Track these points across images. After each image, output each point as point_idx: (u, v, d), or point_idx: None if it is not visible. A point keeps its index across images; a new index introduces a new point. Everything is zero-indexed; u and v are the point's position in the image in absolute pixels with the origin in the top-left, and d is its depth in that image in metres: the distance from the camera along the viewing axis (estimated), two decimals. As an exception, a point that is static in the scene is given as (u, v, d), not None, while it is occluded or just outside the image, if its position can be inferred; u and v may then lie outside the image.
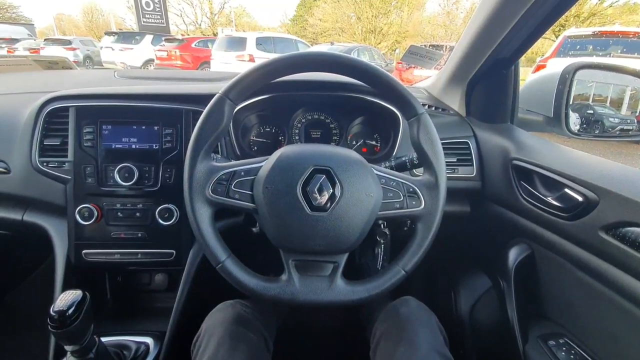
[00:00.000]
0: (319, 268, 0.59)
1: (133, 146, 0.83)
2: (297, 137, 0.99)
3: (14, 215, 0.86)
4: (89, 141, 0.81)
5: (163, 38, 10.63)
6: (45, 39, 12.18)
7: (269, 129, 1.00)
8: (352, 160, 0.60)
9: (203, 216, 0.58)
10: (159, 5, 13.05)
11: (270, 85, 0.85)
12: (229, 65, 8.44)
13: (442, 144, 0.63)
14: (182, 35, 12.13)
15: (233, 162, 0.62)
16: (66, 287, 0.83)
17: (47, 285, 0.86)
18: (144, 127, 0.83)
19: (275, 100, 0.92)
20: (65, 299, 0.58)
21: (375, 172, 0.61)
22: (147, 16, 12.93)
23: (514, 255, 0.83)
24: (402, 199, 0.61)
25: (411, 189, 0.61)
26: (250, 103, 0.89)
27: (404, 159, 0.76)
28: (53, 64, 1.17)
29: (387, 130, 0.97)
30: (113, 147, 0.82)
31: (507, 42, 0.80)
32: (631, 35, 5.25)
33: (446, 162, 0.66)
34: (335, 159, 0.59)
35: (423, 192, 0.61)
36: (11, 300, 1.30)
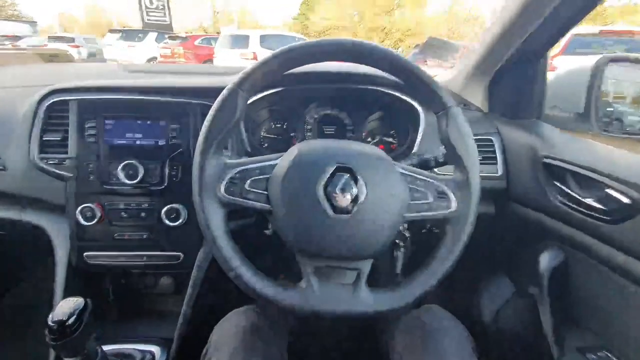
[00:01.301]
0: (341, 275, 0.54)
1: (138, 142, 0.78)
2: (309, 134, 0.94)
3: (11, 214, 0.81)
4: (91, 136, 0.76)
5: (166, 36, 10.60)
6: (49, 37, 12.17)
7: (279, 125, 0.94)
8: (377, 157, 0.55)
9: (215, 218, 0.53)
10: (162, 3, 13.02)
11: (282, 77, 0.81)
12: (232, 63, 8.40)
13: None
14: (186, 33, 12.09)
15: (246, 159, 0.57)
16: (67, 290, 0.79)
17: (46, 285, 0.82)
18: (149, 122, 0.78)
19: (286, 95, 0.87)
20: (64, 307, 0.53)
21: (401, 170, 0.56)
22: (150, 14, 12.90)
23: (545, 260, 0.77)
24: (431, 200, 0.55)
25: (440, 189, 0.56)
26: (261, 97, 0.84)
27: (427, 156, 0.70)
28: (54, 57, 1.12)
29: (404, 126, 0.92)
30: (116, 143, 0.77)
31: (538, 33, 0.74)
32: (635, 34, 5.19)
33: None
34: (358, 156, 0.54)
35: (454, 193, 0.56)
36: (9, 302, 1.26)
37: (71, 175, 0.77)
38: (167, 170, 0.78)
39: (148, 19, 12.85)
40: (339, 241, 0.51)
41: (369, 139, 0.94)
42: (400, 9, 24.14)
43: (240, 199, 0.54)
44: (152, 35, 11.01)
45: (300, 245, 0.53)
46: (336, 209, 0.51)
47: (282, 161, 0.55)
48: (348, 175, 0.52)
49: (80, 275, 0.81)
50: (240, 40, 8.71)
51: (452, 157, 0.58)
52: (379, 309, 0.52)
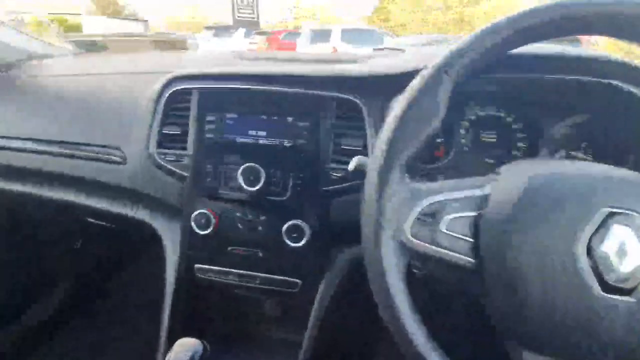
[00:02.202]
0: None
1: (261, 141, 0.65)
2: (463, 140, 0.72)
3: (125, 210, 0.76)
4: (211, 132, 0.66)
5: (254, 31, 11.15)
6: (156, 33, 13.75)
7: None
8: None
9: (393, 271, 0.35)
10: (251, 1, 13.75)
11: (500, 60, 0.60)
12: (318, 57, 8.43)
13: None
14: (271, 28, 12.60)
15: (439, 184, 0.38)
16: (176, 301, 0.71)
17: (154, 270, 0.76)
18: (275, 118, 0.65)
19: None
20: (180, 352, 0.41)
21: None
22: (240, 11, 13.73)
23: None
24: None
25: None
26: None
27: None
28: (170, 45, 1.08)
29: (614, 136, 0.64)
30: (238, 141, 0.66)
31: None
32: None
33: None
34: None
35: None
36: (116, 286, 1.30)
37: (187, 175, 0.67)
38: (291, 178, 0.64)
39: (238, 16, 13.68)
40: (607, 341, 0.30)
41: (555, 154, 0.68)
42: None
43: (433, 247, 0.35)
44: (241, 31, 11.68)
45: (526, 337, 0.33)
46: (607, 286, 0.30)
47: (500, 192, 0.35)
48: (630, 228, 0.30)
49: (188, 287, 0.72)
50: (321, 35, 8.71)
51: None
52: None
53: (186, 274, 0.70)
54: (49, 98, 0.80)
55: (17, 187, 0.82)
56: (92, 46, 1.11)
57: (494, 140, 0.71)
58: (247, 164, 0.64)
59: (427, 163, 0.68)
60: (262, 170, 0.63)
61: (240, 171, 0.64)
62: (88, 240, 1.20)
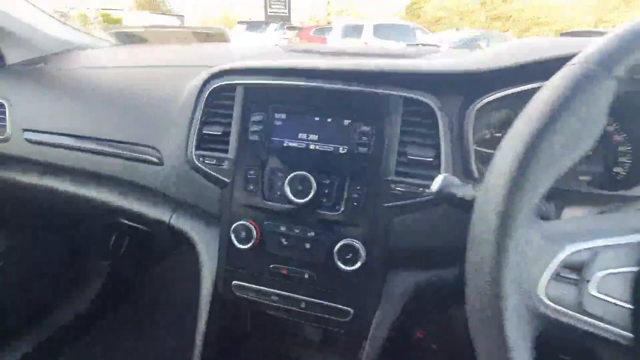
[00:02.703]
0: None
1: (312, 146, 0.56)
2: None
3: (161, 215, 0.70)
4: (256, 134, 0.58)
5: (285, 26, 11.14)
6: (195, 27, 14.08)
7: (499, 135, 0.62)
8: None
9: (520, 349, 0.25)
10: (283, -4, 13.77)
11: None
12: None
13: None
14: (301, 24, 12.57)
15: (583, 223, 0.28)
16: (211, 320, 0.64)
17: (189, 275, 0.70)
18: (329, 120, 0.56)
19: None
20: None
21: None
22: (272, 6, 13.78)
23: None
24: None
25: None
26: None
27: None
28: (209, 36, 1.03)
29: None
30: (286, 145, 0.57)
31: None
32: None
33: None
34: None
35: None
36: (153, 278, 1.28)
37: (228, 181, 0.60)
38: (346, 191, 0.55)
39: (270, 12, 13.74)
40: None
41: None
42: (529, -7, 20.53)
43: (578, 316, 0.25)
44: (273, 26, 11.71)
45: None
46: None
47: None
48: None
49: (224, 305, 0.65)
50: (353, 30, 8.52)
51: None
52: None
53: (223, 291, 0.63)
54: (85, 91, 0.76)
55: (51, 183, 0.79)
56: (132, 38, 1.07)
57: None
58: (296, 172, 0.56)
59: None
60: (312, 180, 0.55)
61: (287, 180, 0.56)
62: (122, 240, 1.18)
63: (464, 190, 0.37)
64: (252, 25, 12.26)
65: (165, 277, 1.31)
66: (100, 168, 0.72)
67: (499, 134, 0.58)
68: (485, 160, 0.56)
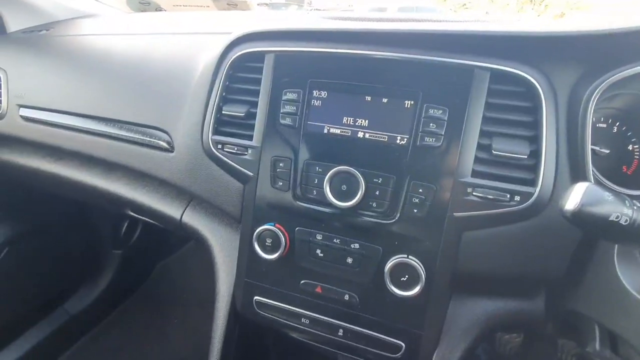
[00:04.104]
0: None
1: (360, 134, 0.44)
2: None
3: (171, 210, 0.60)
4: (288, 116, 0.46)
5: (308, 8, 10.84)
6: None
7: (625, 129, 0.47)
8: None
9: None
10: (305, -23, 13.38)
11: None
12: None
13: None
14: (323, 6, 12.22)
15: None
16: (227, 342, 0.54)
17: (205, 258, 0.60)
18: (385, 101, 0.43)
19: None
20: None
21: None
22: (293, -13, 13.50)
23: None
24: None
25: None
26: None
27: None
28: (232, 5, 0.90)
29: None
30: (327, 131, 0.45)
31: None
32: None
33: None
34: None
35: None
36: (162, 272, 1.20)
37: (252, 174, 0.48)
38: (405, 194, 0.42)
39: (291, -7, 13.45)
40: None
41: None
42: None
43: None
44: (293, 8, 11.44)
45: None
46: None
47: None
48: None
49: (244, 323, 0.55)
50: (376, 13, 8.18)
51: None
52: None
53: (242, 309, 0.52)
54: (87, 61, 0.65)
55: (54, 168, 0.69)
56: (147, 6, 0.96)
57: None
58: (339, 167, 0.43)
59: (619, 183, 0.42)
60: (360, 178, 0.42)
61: (328, 176, 0.44)
62: (134, 228, 1.10)
63: (618, 210, 0.24)
64: (273, 6, 12.03)
65: (179, 268, 1.23)
66: (104, 153, 0.61)
67: (625, 128, 0.43)
68: (596, 163, 0.42)
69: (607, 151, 0.42)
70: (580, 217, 0.25)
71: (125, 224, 1.11)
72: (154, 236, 1.16)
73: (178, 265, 1.24)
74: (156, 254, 1.23)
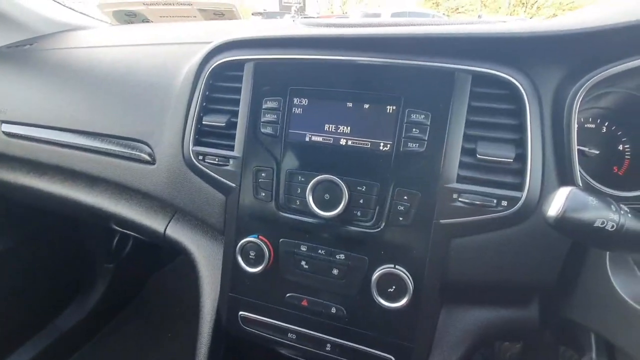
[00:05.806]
0: None
1: (343, 141, 0.43)
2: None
3: (155, 224, 0.58)
4: (269, 125, 0.45)
5: (301, 17, 10.95)
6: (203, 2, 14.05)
7: (614, 129, 0.46)
8: None
9: None
10: (299, -14, 13.50)
11: None
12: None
13: None
14: (317, 13, 12.34)
15: None
16: (212, 352, 0.52)
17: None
18: (367, 107, 0.42)
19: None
20: None
21: None
22: (287, -3, 13.57)
23: None
24: None
25: None
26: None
27: None
28: (218, 14, 0.89)
29: None
30: (308, 139, 0.44)
31: None
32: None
33: None
34: None
35: None
36: (155, 285, 1.18)
37: (234, 185, 0.47)
38: (389, 202, 0.41)
39: (285, 2, 13.50)
40: None
41: None
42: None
43: None
44: (287, 17, 11.55)
45: None
46: None
47: None
48: None
49: (229, 340, 0.53)
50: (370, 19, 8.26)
51: None
52: None
53: (227, 324, 0.50)
54: (69, 74, 0.64)
55: (38, 184, 0.68)
56: (132, 18, 0.95)
57: None
58: (322, 176, 0.42)
59: (610, 185, 0.41)
60: (343, 186, 0.41)
61: (310, 186, 0.42)
62: (125, 242, 1.08)
63: (603, 216, 0.23)
64: (267, 16, 12.13)
65: (171, 280, 1.21)
66: (86, 167, 0.60)
67: (614, 127, 0.42)
68: (584, 164, 0.41)
69: (597, 152, 0.41)
70: (563, 224, 0.24)
71: (117, 238, 1.09)
72: (146, 249, 1.14)
73: (170, 278, 1.22)
74: (148, 267, 1.21)
